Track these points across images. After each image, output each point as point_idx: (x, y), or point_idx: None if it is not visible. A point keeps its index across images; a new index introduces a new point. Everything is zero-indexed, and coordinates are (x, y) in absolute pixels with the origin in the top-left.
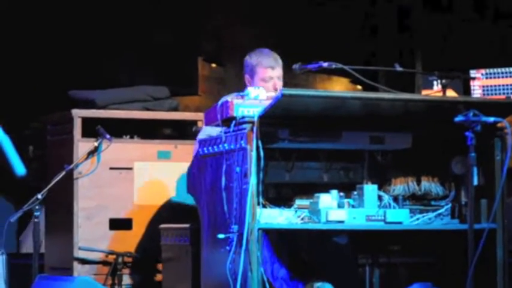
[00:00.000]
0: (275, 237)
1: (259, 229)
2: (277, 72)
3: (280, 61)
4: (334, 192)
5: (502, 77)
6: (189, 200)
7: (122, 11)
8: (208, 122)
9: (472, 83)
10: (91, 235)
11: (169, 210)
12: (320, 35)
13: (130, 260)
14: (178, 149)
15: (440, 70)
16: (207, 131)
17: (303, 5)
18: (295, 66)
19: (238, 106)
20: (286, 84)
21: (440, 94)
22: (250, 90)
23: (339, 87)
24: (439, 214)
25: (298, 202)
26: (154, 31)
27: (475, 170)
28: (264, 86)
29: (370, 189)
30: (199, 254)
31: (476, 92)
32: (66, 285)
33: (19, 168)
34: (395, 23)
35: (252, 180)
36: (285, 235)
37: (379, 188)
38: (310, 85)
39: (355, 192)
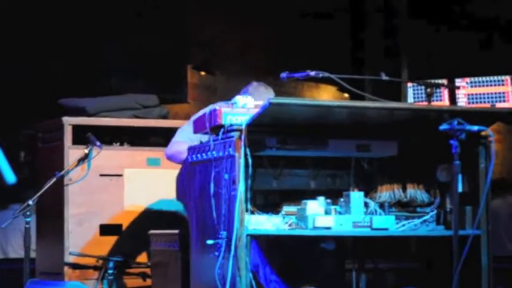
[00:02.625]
0: (265, 243)
1: (247, 235)
2: None
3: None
4: (321, 199)
5: (487, 86)
6: (178, 206)
7: (112, 20)
8: (197, 130)
9: (457, 91)
10: (81, 240)
11: (159, 216)
12: (308, 43)
13: (120, 264)
14: (168, 161)
15: (426, 79)
16: (187, 130)
17: (292, 15)
18: (283, 74)
19: (226, 114)
20: (275, 92)
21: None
22: (239, 99)
23: (327, 95)
24: (425, 220)
25: (286, 208)
26: (143, 39)
27: (460, 177)
28: None
29: (356, 196)
30: (189, 260)
31: (461, 100)
32: None
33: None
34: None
35: (240, 187)
36: (274, 241)
37: (366, 195)
38: (298, 93)
39: (342, 199)
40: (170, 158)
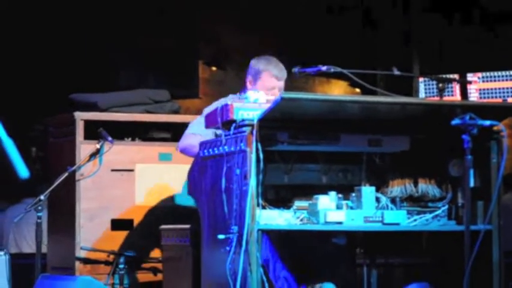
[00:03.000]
0: (276, 237)
1: (258, 230)
2: (281, 84)
3: (285, 74)
4: (333, 193)
5: (499, 80)
6: (190, 201)
7: (124, 15)
8: (209, 125)
9: (468, 86)
10: (93, 235)
11: (170, 211)
12: (320, 38)
13: (131, 259)
14: (181, 154)
15: (438, 73)
16: (200, 123)
17: (302, 10)
18: (295, 69)
19: (238, 109)
20: (286, 87)
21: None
22: (250, 94)
23: (338, 90)
24: (436, 215)
25: (297, 203)
26: (154, 35)
27: (472, 172)
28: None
29: (368, 191)
30: (200, 255)
31: (473, 95)
32: (68, 284)
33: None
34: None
35: (252, 182)
36: (285, 236)
37: (377, 190)
38: (309, 88)
39: (354, 194)
40: (183, 151)
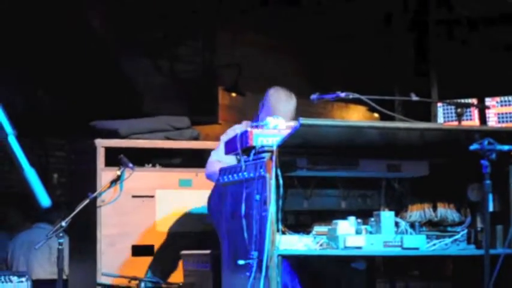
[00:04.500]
0: (296, 263)
1: (278, 255)
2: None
3: (293, 111)
4: (352, 218)
5: None
6: (210, 226)
7: (144, 43)
8: (228, 151)
9: (487, 110)
10: (114, 261)
11: (191, 237)
12: (338, 64)
13: (152, 285)
14: (199, 177)
15: (456, 98)
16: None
17: (320, 35)
18: (313, 96)
19: (257, 136)
20: (304, 112)
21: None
22: (270, 120)
23: (356, 115)
24: (455, 240)
25: (317, 229)
26: (175, 61)
27: (491, 196)
28: None
29: (387, 216)
30: (220, 280)
31: (492, 119)
32: None
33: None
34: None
35: (272, 207)
36: (305, 261)
37: (396, 215)
38: (328, 113)
39: (373, 219)
40: (209, 177)
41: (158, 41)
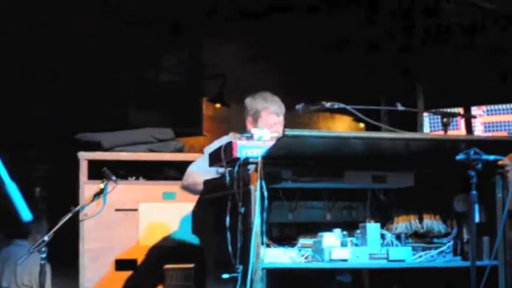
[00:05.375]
0: (281, 276)
1: (263, 268)
2: (281, 118)
3: (283, 107)
4: (338, 231)
5: (504, 114)
6: (194, 240)
7: (128, 54)
8: (213, 163)
9: (473, 120)
10: (97, 276)
11: (174, 251)
12: (323, 73)
13: None
14: (184, 191)
15: (442, 107)
16: (203, 161)
17: (306, 46)
18: (298, 106)
19: (242, 147)
20: (289, 123)
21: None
22: (254, 131)
23: (342, 126)
24: (442, 251)
25: (302, 241)
26: (159, 73)
27: (477, 207)
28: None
29: (372, 228)
30: None
31: (478, 129)
32: None
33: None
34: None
35: (256, 220)
36: (290, 274)
37: (382, 226)
38: (313, 124)
39: (358, 231)
40: (186, 188)
41: (143, 52)
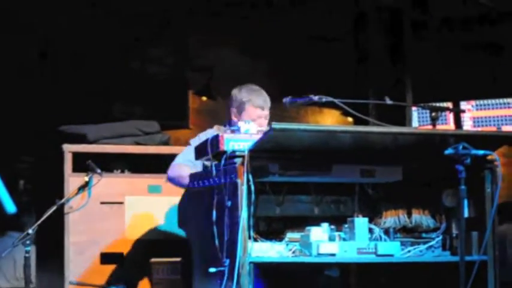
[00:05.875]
0: (268, 270)
1: (250, 262)
2: (266, 112)
3: (269, 101)
4: (325, 225)
5: (493, 108)
6: (180, 233)
7: (113, 46)
8: (199, 156)
9: (462, 114)
10: (82, 269)
11: (160, 244)
12: (311, 67)
13: None
14: (169, 183)
15: (431, 102)
16: (189, 153)
17: (295, 39)
18: (286, 100)
19: (228, 140)
20: (277, 117)
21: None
22: (241, 125)
23: (330, 120)
24: (430, 246)
25: (289, 235)
26: (145, 65)
27: (466, 202)
28: None
29: (361, 222)
30: None
31: (467, 124)
32: None
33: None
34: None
35: (243, 214)
36: (277, 268)
37: (370, 221)
38: (301, 117)
39: (346, 225)
40: (171, 180)
41: (129, 44)
